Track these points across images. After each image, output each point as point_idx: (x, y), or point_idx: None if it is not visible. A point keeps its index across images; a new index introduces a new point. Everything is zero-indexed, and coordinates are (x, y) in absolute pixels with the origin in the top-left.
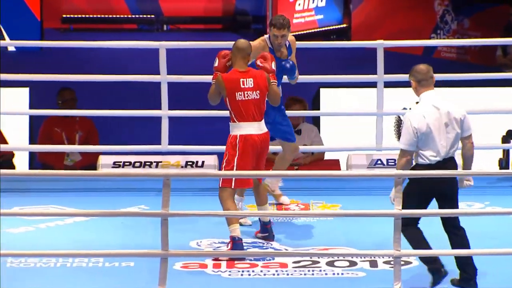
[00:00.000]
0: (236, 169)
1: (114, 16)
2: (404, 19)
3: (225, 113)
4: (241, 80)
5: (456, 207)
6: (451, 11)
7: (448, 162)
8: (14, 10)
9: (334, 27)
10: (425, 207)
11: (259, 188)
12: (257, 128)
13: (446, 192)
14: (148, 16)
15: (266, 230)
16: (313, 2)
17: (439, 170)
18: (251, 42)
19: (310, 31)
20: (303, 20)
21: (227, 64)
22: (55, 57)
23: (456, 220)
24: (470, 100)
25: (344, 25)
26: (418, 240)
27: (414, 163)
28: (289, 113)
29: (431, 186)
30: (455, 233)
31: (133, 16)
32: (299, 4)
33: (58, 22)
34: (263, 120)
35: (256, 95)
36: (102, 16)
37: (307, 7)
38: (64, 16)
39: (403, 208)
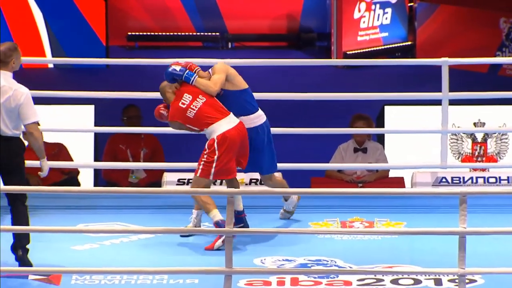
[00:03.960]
0: (216, 163)
1: (179, 33)
2: (469, 37)
3: (291, 131)
4: (179, 104)
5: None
6: None
7: None
8: (76, 29)
9: (399, 44)
10: None
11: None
12: (231, 121)
13: None
14: (213, 33)
15: (241, 220)
16: (377, 19)
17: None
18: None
19: (374, 48)
20: (367, 38)
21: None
22: (120, 75)
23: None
24: None
25: (409, 43)
26: None
27: None
28: (354, 131)
29: None
30: None
31: (198, 33)
32: (364, 22)
33: (123, 40)
34: (231, 114)
35: (202, 98)
36: (167, 33)
37: (371, 25)
38: (130, 33)
39: None
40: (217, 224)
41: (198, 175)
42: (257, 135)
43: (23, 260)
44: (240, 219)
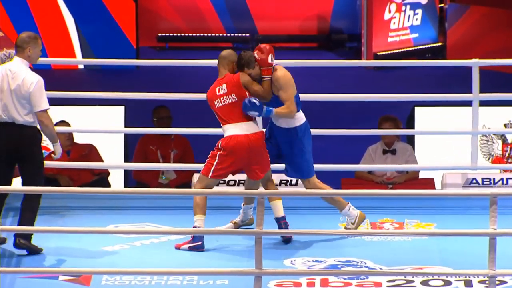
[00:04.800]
0: (216, 163)
1: (210, 34)
2: (500, 38)
3: (321, 132)
4: (217, 88)
5: None
6: None
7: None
8: (106, 31)
9: (429, 45)
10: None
11: (267, 185)
12: (244, 129)
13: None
14: (243, 34)
15: (280, 226)
16: (408, 20)
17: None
18: None
19: (405, 49)
20: (398, 39)
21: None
22: (150, 76)
23: None
24: None
25: (440, 44)
26: None
27: None
28: (383, 131)
29: None
30: None
31: (228, 34)
32: (394, 23)
33: (154, 41)
34: (253, 121)
35: (233, 98)
36: (198, 34)
37: (402, 26)
38: (160, 34)
39: None
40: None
41: (201, 172)
42: (296, 136)
43: (25, 246)
44: (280, 225)
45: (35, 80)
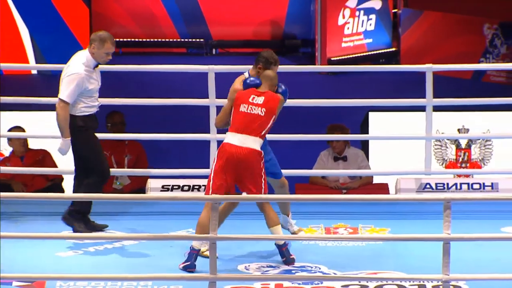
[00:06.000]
0: (211, 173)
1: (164, 40)
2: (453, 43)
3: (275, 137)
4: (252, 95)
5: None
6: (500, 35)
7: None
8: (58, 37)
9: (383, 50)
10: None
11: (264, 209)
12: (239, 140)
13: None
14: (197, 40)
15: (282, 254)
16: (362, 25)
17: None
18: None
19: (359, 55)
20: (352, 44)
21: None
22: (104, 81)
23: None
24: None
25: (393, 49)
26: None
27: None
28: (335, 137)
29: None
30: None
31: (183, 40)
32: (348, 28)
33: None
34: (252, 137)
35: (261, 112)
36: (152, 40)
37: (356, 31)
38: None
39: None
40: (191, 248)
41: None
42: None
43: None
44: (281, 252)
45: (72, 72)
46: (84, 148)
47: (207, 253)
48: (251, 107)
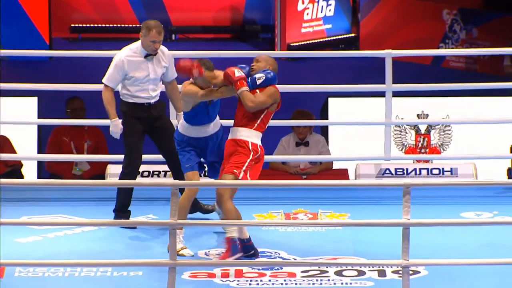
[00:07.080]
0: (251, 167)
1: (123, 25)
2: (413, 29)
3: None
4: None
5: None
6: (459, 21)
7: None
8: (15, 23)
9: (342, 36)
10: None
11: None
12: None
13: None
14: None
15: (251, 248)
16: (321, 11)
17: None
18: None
19: (318, 40)
20: (311, 30)
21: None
22: (63, 67)
23: None
24: (478, 110)
25: (353, 35)
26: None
27: None
28: (296, 123)
29: None
30: None
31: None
32: (307, 14)
33: (67, 32)
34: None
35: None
36: (111, 25)
37: (315, 17)
38: (73, 25)
39: None
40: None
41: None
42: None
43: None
44: (247, 247)
45: (116, 58)
46: (124, 133)
47: (183, 252)
48: None
